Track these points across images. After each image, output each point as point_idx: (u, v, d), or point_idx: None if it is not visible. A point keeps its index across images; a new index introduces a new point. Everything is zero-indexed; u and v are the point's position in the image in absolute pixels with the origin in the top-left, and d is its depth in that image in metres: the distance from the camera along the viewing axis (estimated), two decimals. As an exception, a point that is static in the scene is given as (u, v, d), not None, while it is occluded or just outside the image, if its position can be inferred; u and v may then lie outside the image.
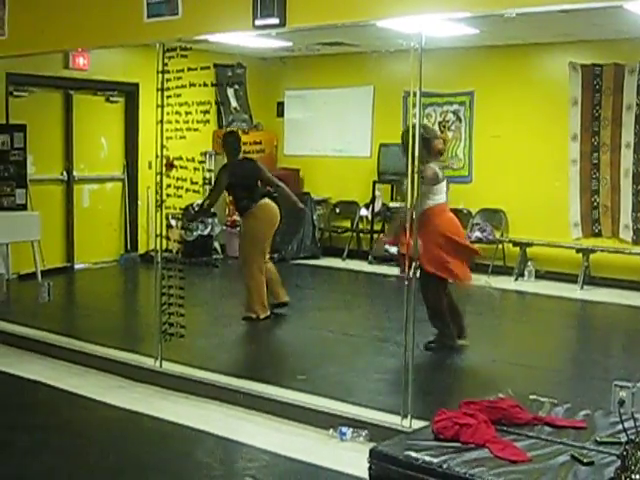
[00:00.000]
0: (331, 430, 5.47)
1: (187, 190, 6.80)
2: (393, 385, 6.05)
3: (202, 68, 6.59)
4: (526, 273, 10.94)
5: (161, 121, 6.67)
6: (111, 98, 11.80)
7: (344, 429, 5.42)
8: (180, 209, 7.34)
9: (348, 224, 12.83)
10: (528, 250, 11.07)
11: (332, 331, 8.21)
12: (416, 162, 5.46)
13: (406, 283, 5.51)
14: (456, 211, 11.67)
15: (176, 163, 6.79)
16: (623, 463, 3.19)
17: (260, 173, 8.45)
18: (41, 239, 10.17)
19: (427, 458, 3.61)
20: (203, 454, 5.25)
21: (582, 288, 10.39)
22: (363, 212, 12.60)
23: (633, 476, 3.11)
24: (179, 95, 6.59)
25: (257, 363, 7.38)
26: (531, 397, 4.40)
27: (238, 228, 12.07)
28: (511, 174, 11.27)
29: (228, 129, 9.56)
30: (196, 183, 6.94)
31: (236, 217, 12.26)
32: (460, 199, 11.81)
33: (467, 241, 7.66)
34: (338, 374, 6.76)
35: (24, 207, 10.24)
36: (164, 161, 6.75)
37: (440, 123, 12.03)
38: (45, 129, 10.98)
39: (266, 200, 8.44)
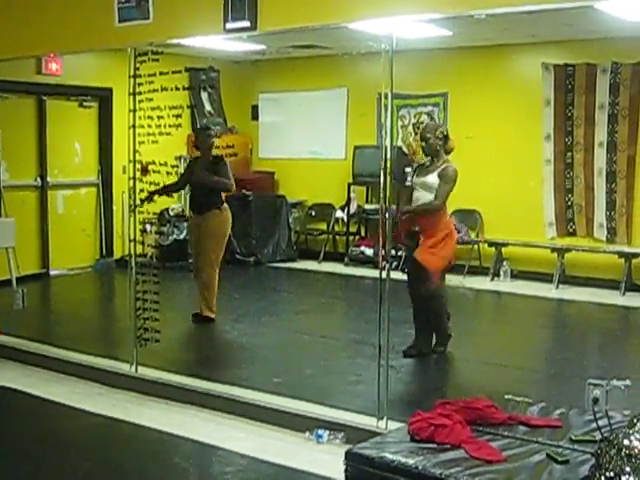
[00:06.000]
0: (308, 433, 5.48)
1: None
2: (369, 387, 6.05)
3: (174, 72, 6.60)
4: (502, 273, 10.98)
5: (133, 126, 6.64)
6: (84, 103, 11.75)
7: (321, 431, 5.43)
8: (154, 214, 7.30)
9: (324, 226, 12.83)
10: (503, 250, 11.11)
11: (308, 334, 8.21)
12: (388, 164, 5.47)
13: (380, 284, 5.52)
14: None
15: (149, 168, 6.77)
16: (597, 461, 3.20)
17: (219, 167, 8.32)
18: (16, 245, 10.10)
19: (403, 459, 3.61)
20: (180, 459, 5.23)
21: (557, 287, 10.44)
22: (339, 214, 12.62)
23: (607, 474, 3.12)
24: (151, 99, 6.57)
25: (233, 367, 7.36)
26: (506, 397, 4.41)
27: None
28: (486, 175, 11.29)
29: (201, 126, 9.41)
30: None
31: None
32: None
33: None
34: (314, 377, 6.75)
35: (-2, 214, 10.20)
36: (138, 166, 6.72)
37: (414, 125, 12.05)
38: (18, 135, 10.89)
39: (226, 205, 8.36)
